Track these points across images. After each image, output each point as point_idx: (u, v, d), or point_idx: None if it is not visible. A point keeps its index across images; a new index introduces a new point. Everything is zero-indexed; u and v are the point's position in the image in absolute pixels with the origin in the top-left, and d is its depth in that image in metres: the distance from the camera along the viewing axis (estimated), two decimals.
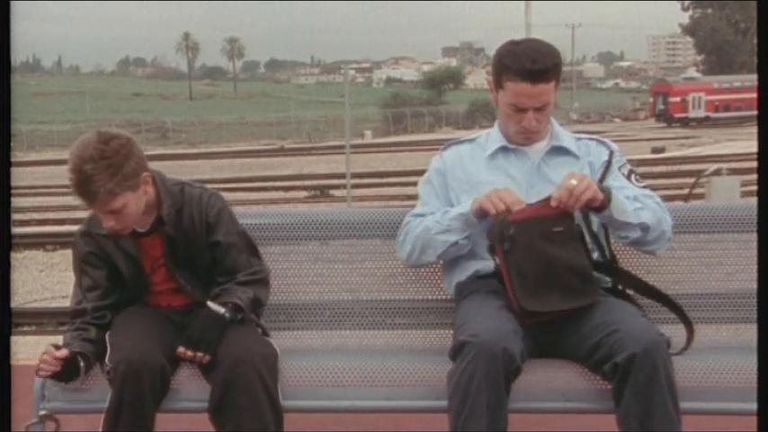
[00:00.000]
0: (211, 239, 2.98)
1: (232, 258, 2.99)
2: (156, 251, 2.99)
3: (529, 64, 2.89)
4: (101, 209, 2.83)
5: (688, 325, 2.97)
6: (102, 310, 2.97)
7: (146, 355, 2.75)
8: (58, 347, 2.81)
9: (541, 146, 3.08)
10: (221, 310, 2.87)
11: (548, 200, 2.83)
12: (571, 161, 3.07)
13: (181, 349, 2.81)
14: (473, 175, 3.08)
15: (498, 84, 2.99)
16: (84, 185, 2.76)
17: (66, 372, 2.80)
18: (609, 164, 3.06)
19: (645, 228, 2.92)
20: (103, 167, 2.75)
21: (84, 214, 3.01)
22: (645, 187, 3.06)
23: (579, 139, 3.14)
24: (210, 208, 2.98)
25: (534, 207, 2.84)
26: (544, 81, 2.91)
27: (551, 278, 2.79)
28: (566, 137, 3.12)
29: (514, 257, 2.80)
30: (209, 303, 2.89)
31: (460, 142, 3.21)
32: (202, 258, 2.99)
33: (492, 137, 3.13)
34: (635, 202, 2.94)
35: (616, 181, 3.03)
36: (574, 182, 2.79)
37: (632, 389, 2.61)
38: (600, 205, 2.85)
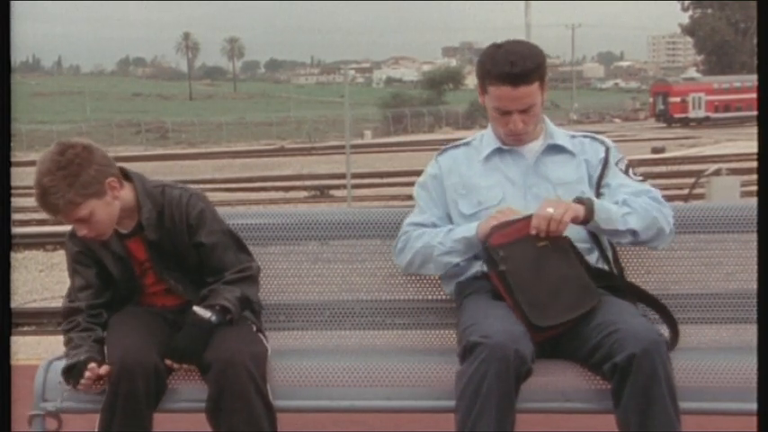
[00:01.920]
0: (195, 241, 2.97)
1: (218, 257, 2.97)
2: (141, 254, 2.98)
3: (508, 68, 2.88)
4: (66, 219, 2.83)
5: (673, 327, 2.98)
6: (97, 309, 2.97)
7: (139, 355, 2.75)
8: (98, 365, 2.77)
9: (536, 145, 3.07)
10: (207, 314, 2.85)
11: (527, 219, 2.83)
12: (567, 159, 3.07)
13: (167, 362, 2.81)
14: (469, 178, 3.07)
15: (483, 89, 3.00)
16: (44, 198, 2.77)
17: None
18: (606, 161, 3.06)
19: (633, 233, 2.92)
20: (60, 178, 2.75)
21: None
22: (643, 181, 3.06)
23: (574, 136, 3.14)
24: (191, 209, 2.96)
25: (515, 227, 2.84)
26: (525, 83, 2.90)
27: (553, 292, 2.79)
28: (560, 135, 3.11)
29: (514, 278, 2.80)
30: (195, 308, 2.87)
31: (455, 146, 3.19)
32: (189, 259, 2.98)
33: (486, 139, 3.13)
34: (624, 207, 2.92)
35: (615, 178, 3.03)
36: (550, 210, 2.80)
37: (631, 389, 2.61)
38: (584, 219, 2.86)
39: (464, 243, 2.96)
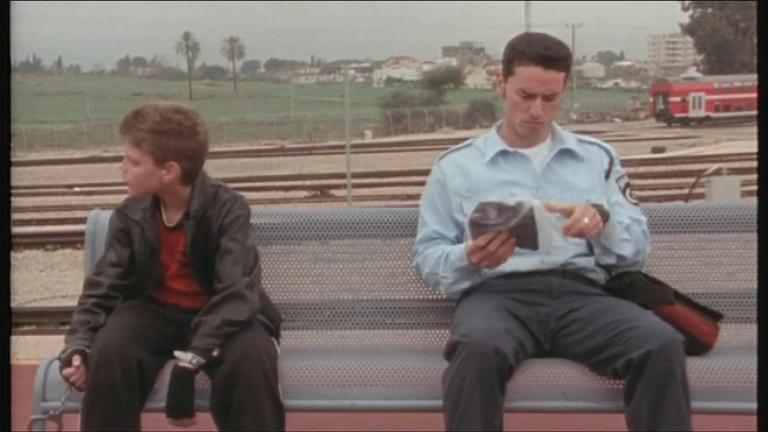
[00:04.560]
0: (218, 240, 2.96)
1: (223, 265, 2.92)
2: (180, 246, 2.98)
3: (542, 50, 2.91)
4: (126, 144, 2.92)
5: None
6: (116, 290, 2.98)
7: (120, 345, 2.76)
8: (68, 362, 2.79)
9: (544, 148, 3.05)
10: (188, 357, 2.78)
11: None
12: (578, 164, 3.05)
13: (168, 420, 2.80)
14: (474, 181, 3.04)
15: (509, 71, 2.98)
16: (131, 117, 2.92)
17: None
18: (608, 174, 3.06)
19: (620, 257, 2.97)
20: (154, 121, 2.88)
21: (84, 214, 3.00)
22: (636, 204, 3.08)
23: (581, 140, 3.12)
24: (230, 212, 2.97)
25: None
26: (555, 69, 2.92)
27: None
28: (569, 138, 3.10)
29: None
30: (177, 353, 2.81)
31: (457, 149, 3.17)
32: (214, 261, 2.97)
33: (490, 141, 3.10)
34: (624, 233, 2.95)
35: (613, 195, 3.04)
36: (586, 220, 2.79)
37: (645, 386, 2.60)
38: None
39: (464, 271, 2.95)
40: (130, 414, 2.78)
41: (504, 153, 3.06)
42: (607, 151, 3.11)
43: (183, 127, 2.91)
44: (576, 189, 3.00)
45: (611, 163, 3.08)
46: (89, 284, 3.00)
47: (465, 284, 3.00)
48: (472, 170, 3.06)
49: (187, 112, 2.95)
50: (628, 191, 3.08)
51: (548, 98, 2.95)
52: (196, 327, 2.86)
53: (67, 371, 2.78)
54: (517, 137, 3.05)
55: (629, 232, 2.96)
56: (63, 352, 2.83)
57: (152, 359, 2.82)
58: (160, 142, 2.87)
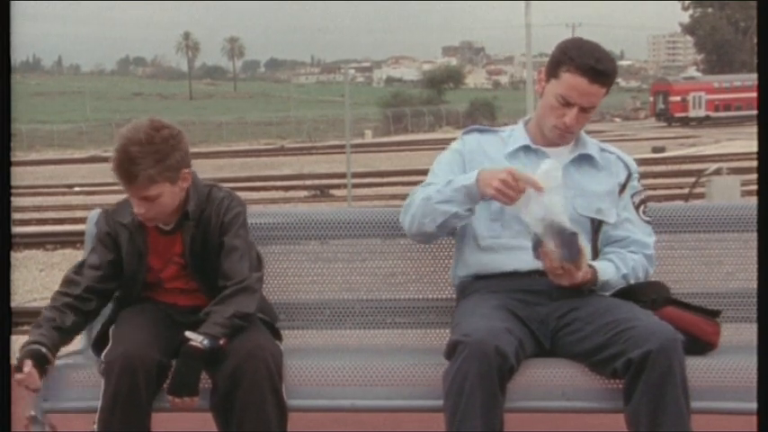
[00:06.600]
0: (220, 239, 2.96)
1: (231, 262, 2.93)
2: (177, 248, 2.98)
3: (593, 61, 2.89)
4: (136, 193, 2.85)
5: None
6: (92, 294, 2.95)
7: (141, 351, 2.75)
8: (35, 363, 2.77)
9: (565, 151, 3.04)
10: (199, 338, 2.79)
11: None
12: (594, 172, 3.04)
13: (170, 398, 2.80)
14: (492, 166, 3.00)
15: (553, 73, 2.95)
16: (126, 166, 2.80)
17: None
18: (623, 187, 3.05)
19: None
20: (150, 152, 2.80)
21: (84, 214, 3.00)
22: (648, 223, 3.06)
23: (603, 149, 3.10)
24: (229, 210, 2.97)
25: None
26: (600, 83, 2.90)
27: None
28: (591, 144, 3.08)
29: None
30: (188, 334, 2.81)
31: (482, 131, 3.16)
32: (215, 261, 2.96)
33: (516, 134, 3.09)
34: (621, 280, 2.96)
35: (624, 211, 3.03)
36: (565, 283, 2.83)
37: (645, 386, 2.60)
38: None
39: (463, 192, 2.87)
40: (148, 415, 2.79)
41: (526, 148, 3.05)
42: (626, 165, 3.09)
43: (172, 137, 2.87)
44: (587, 195, 2.99)
45: (629, 177, 3.06)
46: (66, 282, 2.98)
47: (454, 208, 2.88)
48: (492, 156, 3.05)
49: (160, 121, 2.89)
50: (642, 208, 3.06)
51: (584, 110, 2.94)
52: (206, 316, 2.86)
53: (18, 377, 2.74)
54: (542, 136, 3.04)
55: (627, 279, 2.98)
56: (22, 347, 2.82)
57: (167, 361, 2.81)
58: (167, 163, 2.84)
